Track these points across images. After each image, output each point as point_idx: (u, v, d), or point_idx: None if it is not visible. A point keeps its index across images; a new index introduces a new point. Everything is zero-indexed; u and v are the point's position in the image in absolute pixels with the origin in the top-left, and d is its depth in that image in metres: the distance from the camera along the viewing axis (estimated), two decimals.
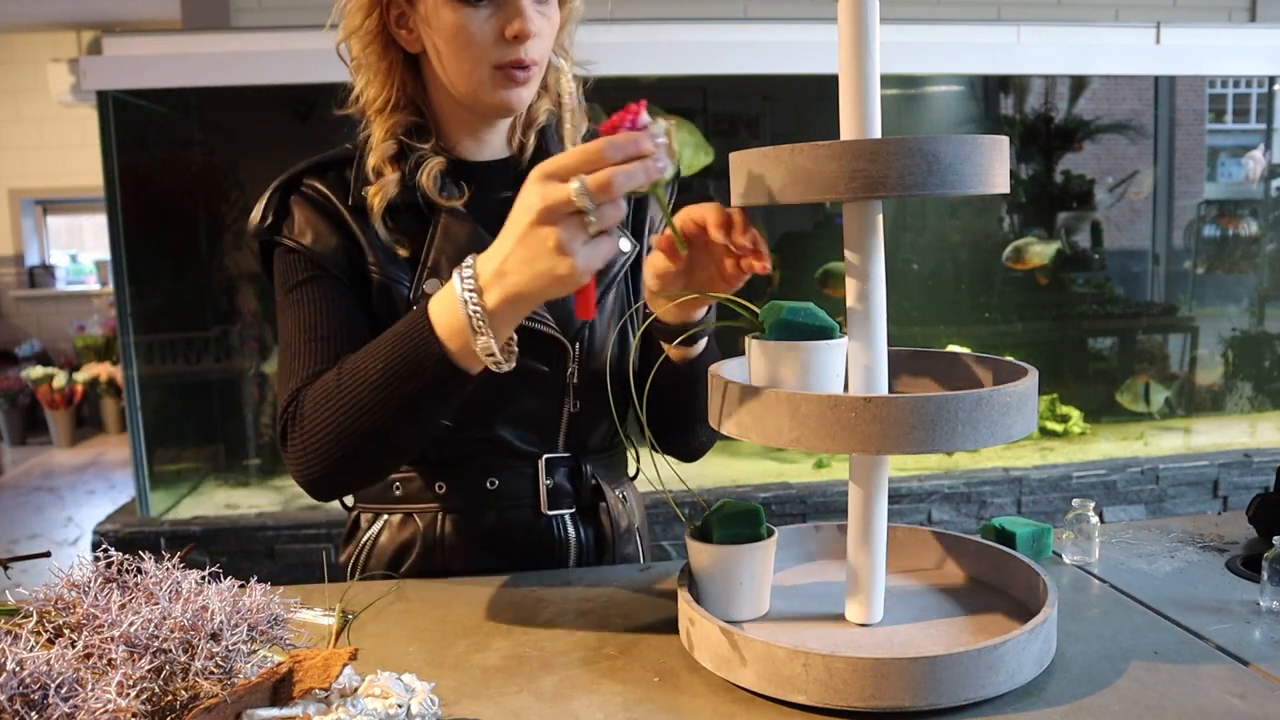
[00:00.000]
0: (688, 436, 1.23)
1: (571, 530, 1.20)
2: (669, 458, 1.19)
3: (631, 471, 1.31)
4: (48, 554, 0.94)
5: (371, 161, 1.12)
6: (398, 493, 1.19)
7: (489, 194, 1.16)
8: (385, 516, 1.20)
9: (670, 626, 0.97)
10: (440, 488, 1.18)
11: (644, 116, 0.82)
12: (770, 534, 0.94)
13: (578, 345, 1.15)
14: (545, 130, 1.20)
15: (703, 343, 1.11)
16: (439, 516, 1.18)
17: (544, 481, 1.18)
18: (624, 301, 1.21)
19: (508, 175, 1.18)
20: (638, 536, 1.27)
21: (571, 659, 0.91)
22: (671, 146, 0.84)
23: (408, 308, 1.11)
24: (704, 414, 1.19)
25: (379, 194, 1.11)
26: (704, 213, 0.91)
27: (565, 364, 1.15)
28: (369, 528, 1.21)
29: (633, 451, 1.31)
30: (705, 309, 1.04)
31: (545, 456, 1.18)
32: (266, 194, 1.14)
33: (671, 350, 1.09)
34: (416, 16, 1.09)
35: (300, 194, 1.13)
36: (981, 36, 3.68)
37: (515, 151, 1.20)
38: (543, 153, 1.19)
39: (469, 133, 1.17)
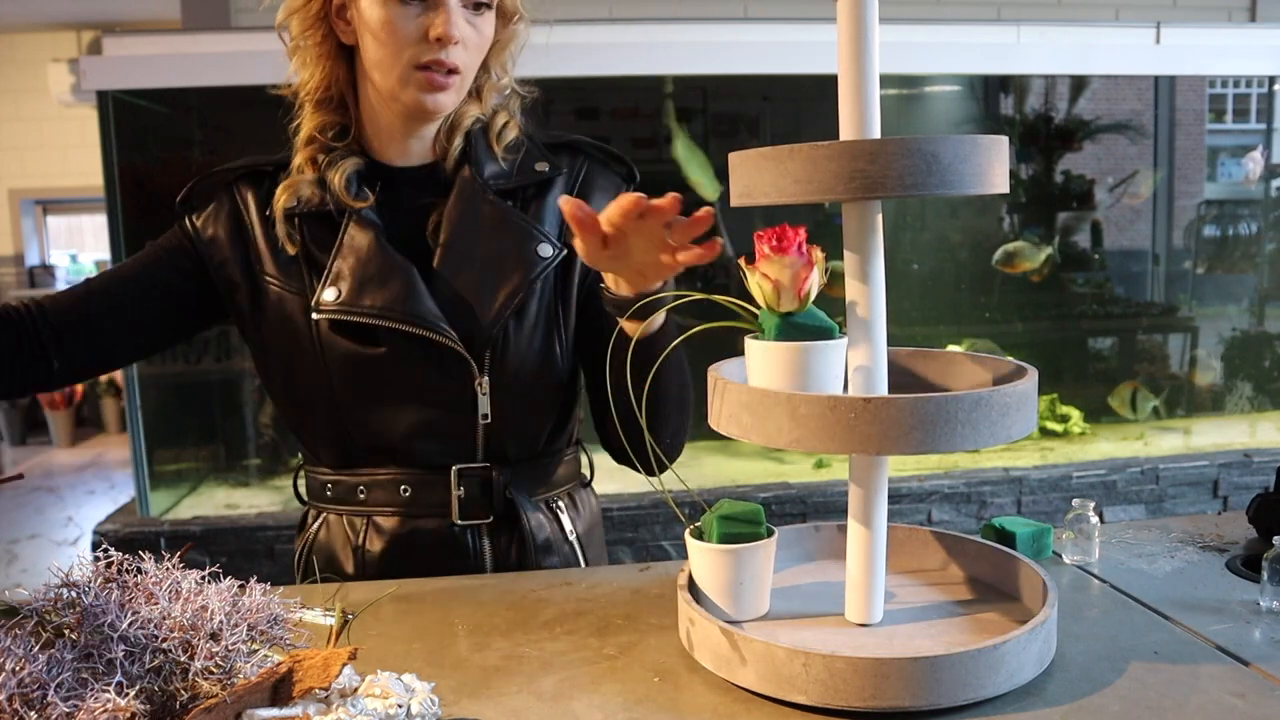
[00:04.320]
0: (655, 433, 1.14)
1: (486, 542, 1.18)
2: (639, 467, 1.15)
3: (591, 476, 1.30)
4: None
5: (296, 161, 1.17)
6: (329, 494, 1.21)
7: (408, 200, 1.17)
8: (325, 515, 1.22)
9: (670, 626, 0.97)
10: (362, 492, 1.18)
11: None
12: (770, 534, 0.94)
13: (488, 355, 1.14)
14: (471, 135, 1.18)
15: (661, 317, 1.05)
16: (363, 521, 1.19)
17: (455, 492, 1.16)
18: (549, 308, 1.17)
19: (428, 181, 1.18)
20: (574, 545, 1.24)
21: (571, 659, 0.91)
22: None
23: (305, 314, 1.13)
24: (669, 412, 1.14)
25: (287, 191, 1.14)
26: (620, 204, 0.89)
27: (470, 377, 1.13)
28: (313, 524, 1.24)
29: (585, 457, 1.30)
30: (662, 281, 1.00)
31: (457, 467, 1.16)
32: (202, 177, 1.20)
33: (626, 324, 1.03)
34: (356, 8, 1.10)
35: (227, 195, 1.19)
36: (981, 36, 3.67)
37: (439, 157, 1.19)
38: (468, 159, 1.17)
39: (393, 137, 1.17)
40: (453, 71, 1.09)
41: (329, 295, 1.11)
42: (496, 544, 1.19)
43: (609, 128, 3.80)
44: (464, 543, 1.18)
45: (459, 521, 1.17)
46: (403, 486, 1.17)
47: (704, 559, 0.92)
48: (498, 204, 1.15)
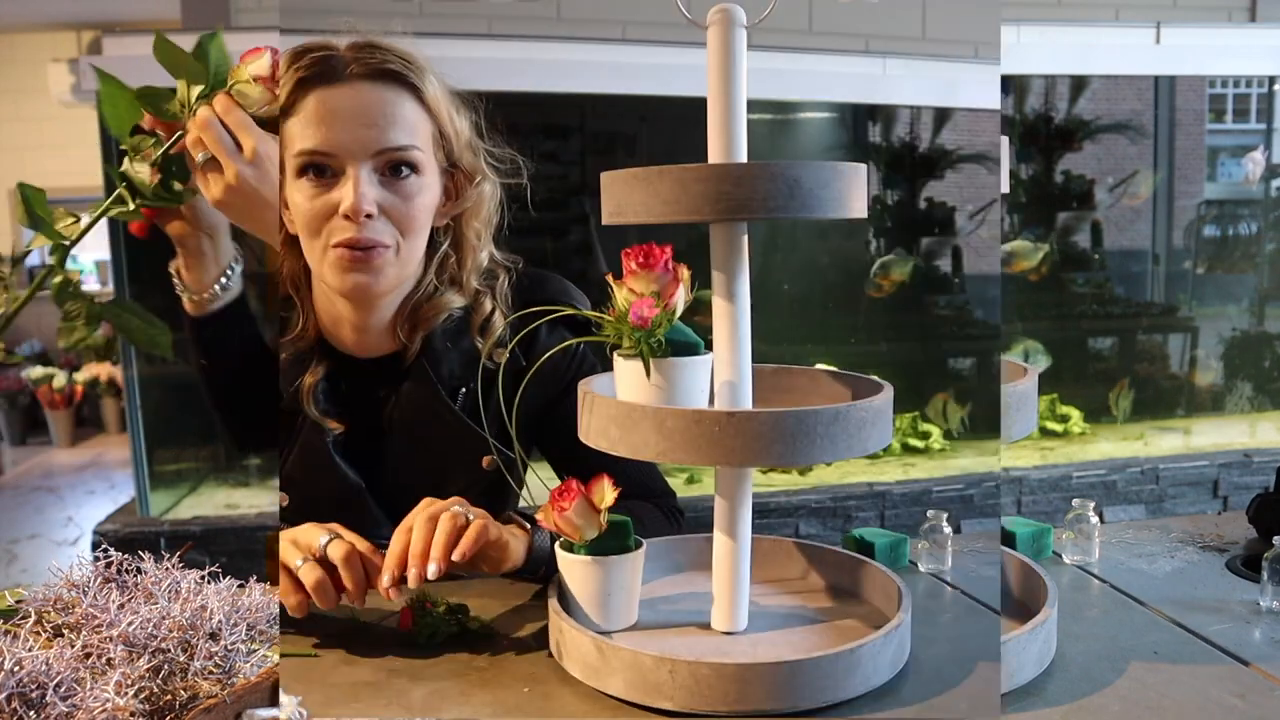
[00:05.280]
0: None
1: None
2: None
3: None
4: None
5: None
6: None
7: (366, 393, 1.13)
8: None
9: (541, 638, 0.94)
10: None
11: None
12: (638, 546, 0.93)
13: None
14: (436, 331, 1.10)
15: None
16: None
17: None
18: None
19: (384, 373, 1.12)
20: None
21: (442, 670, 0.88)
22: None
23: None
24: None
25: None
26: None
27: None
28: None
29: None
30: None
31: None
32: None
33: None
34: (290, 196, 1.04)
35: None
36: None
37: (399, 348, 1.11)
38: (431, 350, 1.09)
39: (348, 327, 1.10)
40: (373, 248, 1.00)
41: (284, 495, 1.11)
42: None
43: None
44: None
45: None
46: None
47: (574, 570, 0.92)
48: (448, 407, 1.10)
